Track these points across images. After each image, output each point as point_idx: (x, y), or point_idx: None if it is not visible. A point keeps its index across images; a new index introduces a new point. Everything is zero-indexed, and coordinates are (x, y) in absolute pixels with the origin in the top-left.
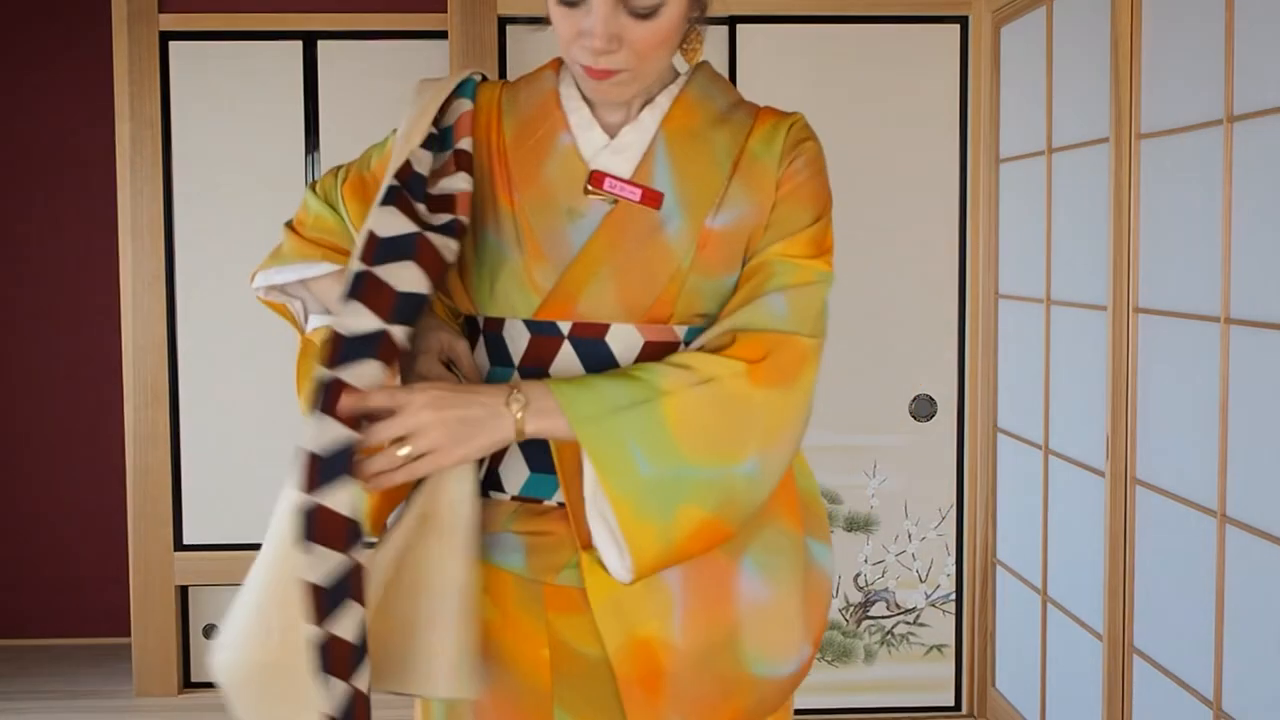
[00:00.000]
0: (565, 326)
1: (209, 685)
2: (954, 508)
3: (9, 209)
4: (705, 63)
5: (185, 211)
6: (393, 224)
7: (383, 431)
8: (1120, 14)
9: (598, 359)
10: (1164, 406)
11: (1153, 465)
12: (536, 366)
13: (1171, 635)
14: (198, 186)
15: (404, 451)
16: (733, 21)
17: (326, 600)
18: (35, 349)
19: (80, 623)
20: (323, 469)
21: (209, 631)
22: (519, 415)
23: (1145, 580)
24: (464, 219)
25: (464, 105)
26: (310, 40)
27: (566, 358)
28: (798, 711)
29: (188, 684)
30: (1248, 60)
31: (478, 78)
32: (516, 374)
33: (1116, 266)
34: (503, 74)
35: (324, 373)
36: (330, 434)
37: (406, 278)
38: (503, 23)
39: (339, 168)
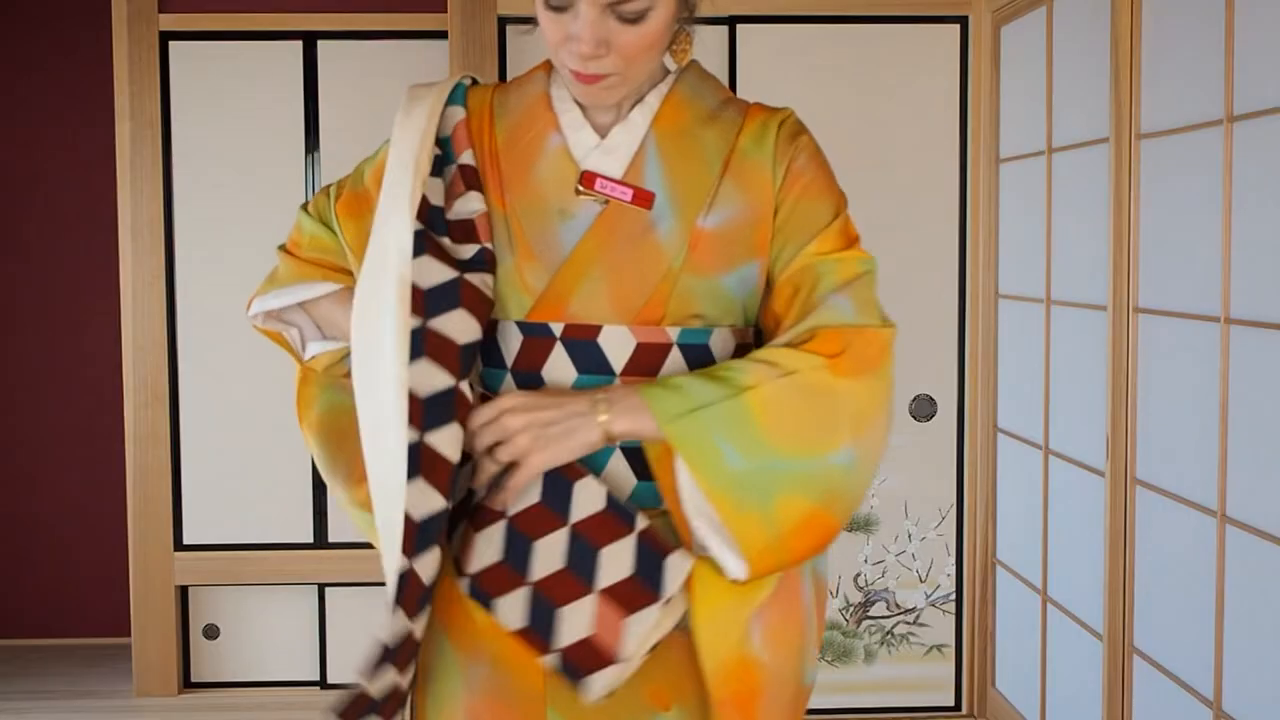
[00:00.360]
0: (557, 328)
1: (209, 685)
2: (954, 508)
3: (9, 209)
4: (694, 61)
5: (185, 211)
6: (432, 273)
7: (479, 440)
8: (1120, 14)
9: (590, 361)
10: (1164, 406)
11: (1153, 465)
12: (529, 370)
13: (1171, 635)
14: (198, 186)
15: (501, 458)
16: (733, 21)
17: (385, 656)
18: (35, 349)
19: (80, 623)
20: (420, 533)
21: (209, 631)
22: (604, 418)
23: (1145, 580)
24: (490, 246)
25: (458, 114)
26: (310, 40)
27: (559, 359)
28: None
29: (188, 684)
30: (1248, 60)
31: (467, 81)
32: (510, 376)
33: (1116, 266)
34: (503, 74)
35: (413, 437)
36: (429, 504)
37: (462, 328)
38: (503, 23)
39: (330, 186)
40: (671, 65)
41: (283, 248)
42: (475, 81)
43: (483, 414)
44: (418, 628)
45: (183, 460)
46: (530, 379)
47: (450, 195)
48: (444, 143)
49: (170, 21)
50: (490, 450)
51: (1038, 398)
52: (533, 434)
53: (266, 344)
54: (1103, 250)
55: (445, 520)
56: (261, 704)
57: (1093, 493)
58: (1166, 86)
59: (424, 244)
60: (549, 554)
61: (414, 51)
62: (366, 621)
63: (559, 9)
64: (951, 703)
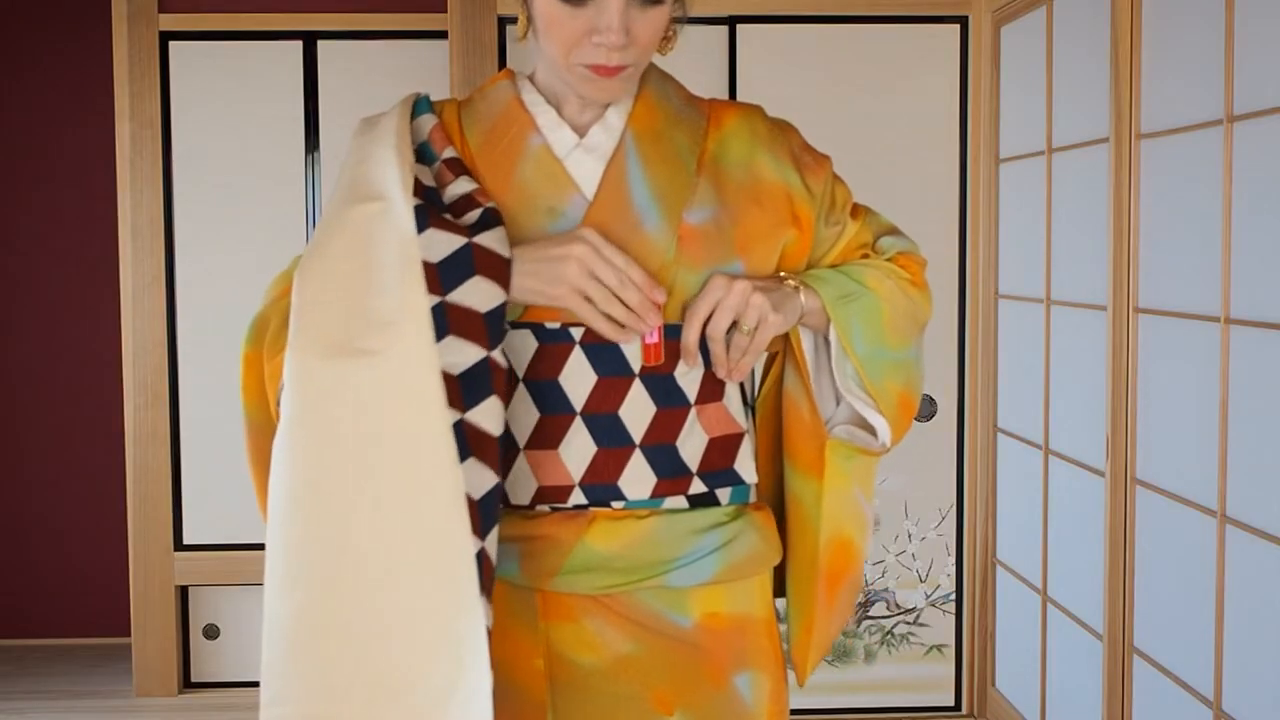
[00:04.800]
0: (576, 333)
1: (209, 685)
2: (954, 508)
3: (9, 209)
4: (649, 62)
5: (185, 211)
6: (441, 244)
7: (721, 322)
8: (1120, 14)
9: (611, 363)
10: (1164, 406)
11: (1153, 465)
12: (546, 379)
13: (1171, 635)
14: (198, 186)
15: (747, 328)
16: (733, 21)
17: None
18: (35, 349)
19: (80, 623)
20: (483, 515)
21: (209, 631)
22: (800, 291)
23: (1145, 580)
24: (494, 205)
25: (429, 121)
26: (310, 40)
27: (577, 363)
28: (798, 711)
29: (188, 684)
30: (1248, 60)
31: (425, 93)
32: (522, 385)
33: (1116, 266)
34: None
35: (454, 416)
36: (484, 482)
37: (482, 295)
38: (503, 23)
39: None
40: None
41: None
42: (426, 98)
43: (711, 294)
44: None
45: (183, 460)
46: (546, 386)
47: (440, 185)
48: (422, 147)
49: (170, 21)
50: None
51: (1038, 398)
52: (767, 299)
53: None
54: (1103, 250)
55: (500, 496)
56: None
57: (1093, 493)
58: (1166, 86)
59: (426, 218)
60: None
61: (414, 51)
62: None
63: (579, 3)
64: (951, 703)
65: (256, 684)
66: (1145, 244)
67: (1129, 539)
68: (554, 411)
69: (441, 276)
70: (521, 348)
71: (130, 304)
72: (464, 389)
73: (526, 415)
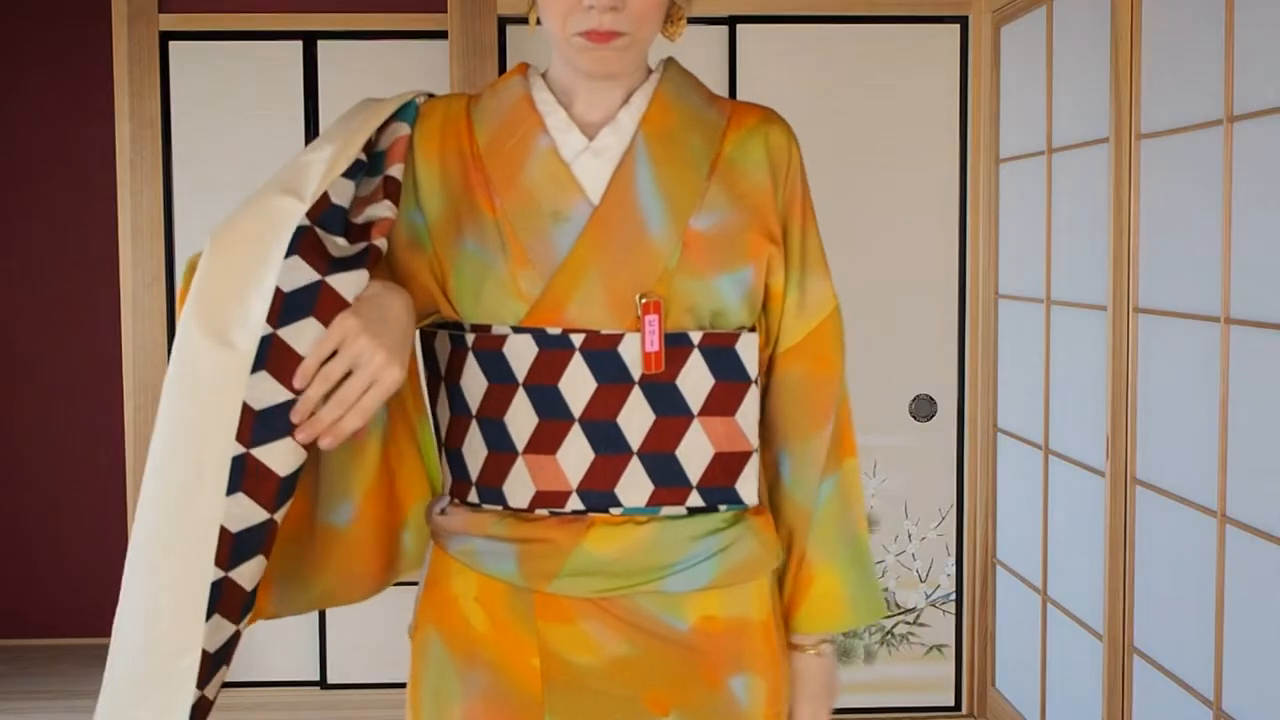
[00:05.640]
0: (577, 339)
1: None
2: (954, 508)
3: (9, 209)
4: (672, 59)
5: (185, 211)
6: (297, 276)
7: None
8: (1120, 14)
9: (610, 369)
10: (1164, 406)
11: (1153, 465)
12: (545, 384)
13: (1171, 635)
14: (198, 186)
15: None
16: (733, 21)
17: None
18: (35, 348)
19: (80, 623)
20: (236, 546)
21: None
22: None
23: (1145, 580)
24: (379, 243)
25: (401, 129)
26: (310, 40)
27: (577, 370)
28: None
29: None
30: (1248, 60)
31: (420, 100)
32: (522, 390)
33: (1116, 266)
34: (502, 74)
35: (239, 450)
36: (248, 514)
37: (308, 339)
38: (503, 23)
39: None
40: (652, 63)
41: None
42: (431, 97)
43: None
44: (243, 624)
45: None
46: (545, 391)
47: (367, 201)
48: (377, 156)
49: (170, 21)
50: None
51: (1038, 398)
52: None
53: None
54: (1103, 250)
55: (268, 533)
56: (261, 704)
57: (1093, 493)
58: (1166, 86)
59: (298, 243)
60: None
61: (414, 51)
62: (366, 621)
63: None
64: (951, 703)
65: (256, 684)
66: (1145, 244)
67: (1129, 539)
68: (552, 417)
69: (284, 309)
70: (522, 353)
71: (130, 304)
72: (257, 425)
73: (525, 420)
